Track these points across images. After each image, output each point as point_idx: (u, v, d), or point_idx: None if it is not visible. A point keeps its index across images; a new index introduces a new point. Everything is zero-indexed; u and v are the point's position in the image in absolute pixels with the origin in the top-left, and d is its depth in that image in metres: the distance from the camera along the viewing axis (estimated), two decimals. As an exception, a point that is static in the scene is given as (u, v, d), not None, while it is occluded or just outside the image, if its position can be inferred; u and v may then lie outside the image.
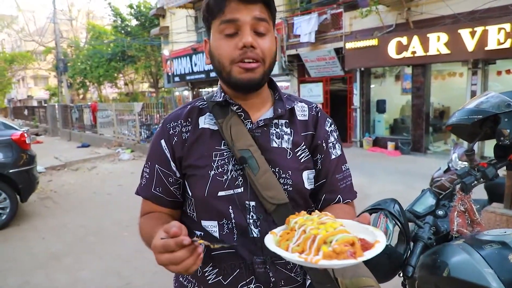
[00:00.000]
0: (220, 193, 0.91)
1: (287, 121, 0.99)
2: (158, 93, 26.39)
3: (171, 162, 0.96)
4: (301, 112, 1.03)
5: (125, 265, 3.62)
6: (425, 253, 1.52)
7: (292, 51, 11.65)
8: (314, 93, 11.94)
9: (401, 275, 1.45)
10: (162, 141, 0.97)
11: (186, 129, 0.97)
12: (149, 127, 10.79)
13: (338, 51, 10.72)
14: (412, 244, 1.49)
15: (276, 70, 11.82)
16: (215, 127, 0.95)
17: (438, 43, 8.57)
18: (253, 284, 0.91)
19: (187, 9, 16.33)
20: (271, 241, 0.72)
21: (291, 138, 0.97)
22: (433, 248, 1.50)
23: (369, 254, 0.66)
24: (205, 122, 0.97)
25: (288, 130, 0.98)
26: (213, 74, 14.50)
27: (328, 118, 1.06)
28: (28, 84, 44.04)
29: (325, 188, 1.00)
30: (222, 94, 0.97)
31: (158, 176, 0.97)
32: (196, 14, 16.57)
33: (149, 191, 0.99)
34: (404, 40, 9.14)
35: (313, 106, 1.06)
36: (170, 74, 17.12)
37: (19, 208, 5.21)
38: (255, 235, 0.90)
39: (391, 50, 9.40)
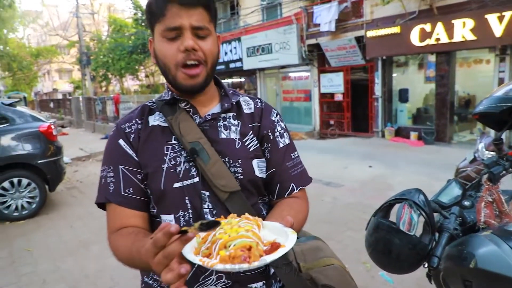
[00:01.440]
0: (176, 185, 0.93)
1: (235, 114, 1.03)
2: (179, 85, 26.65)
3: (135, 158, 0.97)
4: (247, 106, 1.06)
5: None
6: (450, 244, 1.50)
7: (312, 41, 11.52)
8: (335, 82, 11.79)
9: (426, 266, 1.43)
10: (121, 141, 0.98)
11: (139, 127, 1.00)
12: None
13: (359, 39, 10.54)
14: (437, 234, 1.47)
15: (296, 59, 11.73)
16: (165, 124, 0.99)
17: (463, 29, 8.29)
18: (214, 275, 0.92)
19: (206, 0, 16.35)
20: (190, 244, 0.71)
21: (239, 129, 1.01)
22: (460, 239, 1.48)
23: (268, 258, 0.68)
24: (155, 120, 1.00)
25: (235, 122, 1.02)
26: (232, 65, 14.51)
27: (273, 110, 1.09)
28: (53, 78, 45.21)
29: (277, 177, 1.03)
30: (170, 93, 1.01)
31: (126, 176, 0.96)
32: (216, 5, 16.57)
33: (119, 195, 0.95)
34: (427, 27, 8.88)
35: (257, 101, 1.09)
36: (190, 65, 17.25)
37: (47, 198, 5.40)
38: None
39: (414, 37, 9.16)
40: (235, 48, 14.23)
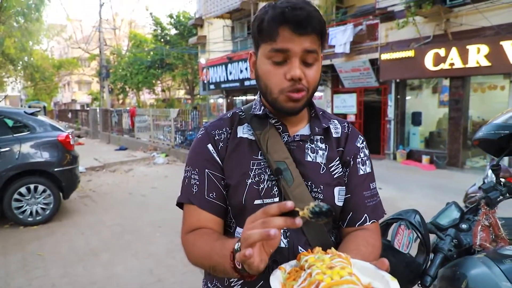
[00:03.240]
0: (256, 201, 0.93)
1: (322, 137, 1.02)
2: (194, 100, 27.06)
3: (221, 165, 0.98)
4: (335, 130, 1.05)
5: (157, 263, 3.79)
6: (446, 265, 1.55)
7: (327, 62, 11.65)
8: (348, 103, 11.86)
9: (420, 285, 1.48)
10: (210, 146, 0.99)
11: (228, 136, 1.00)
12: (183, 133, 11.11)
13: (373, 62, 10.66)
14: (432, 255, 1.52)
15: (309, 80, 11.87)
16: (253, 138, 0.99)
17: (478, 55, 8.33)
18: None
19: (224, 19, 16.73)
20: (277, 278, 0.72)
21: (326, 153, 1.00)
22: (454, 261, 1.52)
23: None
24: (244, 132, 1.00)
25: (323, 146, 1.01)
26: (247, 83, 14.74)
27: (359, 136, 1.08)
28: (72, 89, 46.39)
29: (351, 205, 1.00)
30: (262, 107, 1.01)
31: (211, 180, 0.97)
32: (233, 24, 16.94)
33: (202, 198, 0.96)
34: (442, 51, 8.95)
35: (345, 124, 1.08)
36: (205, 82, 17.55)
37: (61, 205, 5.55)
38: (283, 245, 0.93)
39: (428, 61, 9.22)
40: (250, 66, 14.51)
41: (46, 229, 4.94)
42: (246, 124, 1.02)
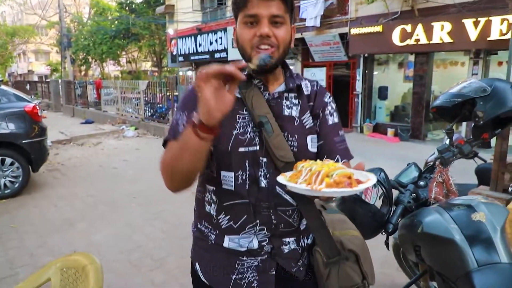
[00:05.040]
0: (241, 149, 1.10)
1: (295, 94, 1.20)
2: (161, 73, 26.47)
3: None
4: (305, 88, 1.23)
5: (135, 231, 3.92)
6: (406, 216, 1.79)
7: (298, 35, 11.73)
8: (318, 77, 12.10)
9: (383, 232, 1.72)
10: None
11: None
12: (153, 106, 11.00)
13: (342, 36, 10.86)
14: (394, 207, 1.76)
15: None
16: (239, 95, 1.15)
17: (441, 32, 8.71)
18: (258, 226, 1.14)
19: (193, -12, 16.32)
20: (282, 178, 0.91)
21: (299, 108, 1.18)
22: (413, 212, 1.77)
23: (362, 186, 0.83)
24: None
25: (296, 102, 1.19)
26: (217, 55, 14.60)
27: (327, 92, 1.27)
28: (29, 59, 43.95)
29: (325, 149, 1.19)
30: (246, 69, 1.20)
31: None
32: (203, -6, 16.54)
33: None
34: (408, 27, 9.27)
35: (314, 83, 1.27)
36: (174, 53, 17.21)
37: (30, 178, 5.49)
38: (263, 185, 1.12)
39: (395, 37, 9.53)
40: (220, 38, 14.31)
41: (15, 202, 4.91)
42: None
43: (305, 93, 1.23)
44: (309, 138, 1.18)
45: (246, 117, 1.14)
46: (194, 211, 1.30)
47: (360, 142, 9.68)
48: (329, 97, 1.26)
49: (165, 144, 1.15)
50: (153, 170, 6.64)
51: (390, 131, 10.29)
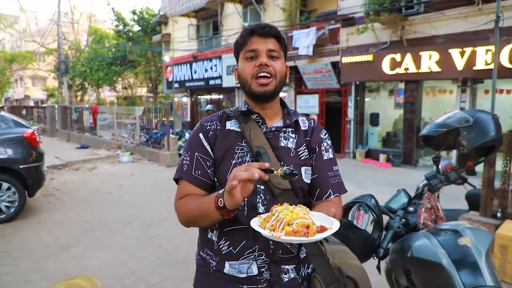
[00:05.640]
0: None
1: (293, 129, 1.31)
2: (156, 98, 26.70)
3: (209, 150, 1.26)
4: (303, 124, 1.35)
5: (130, 256, 3.91)
6: (396, 241, 1.85)
7: (290, 63, 12.00)
8: (310, 104, 12.32)
9: (375, 256, 1.77)
10: (200, 134, 1.28)
11: (218, 127, 1.30)
12: (148, 131, 11.06)
13: (334, 64, 11.16)
14: (385, 232, 1.82)
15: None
16: (239, 130, 1.28)
17: (429, 61, 8.99)
18: (256, 252, 1.19)
19: (189, 18, 16.73)
20: (255, 222, 1.02)
21: (295, 141, 1.29)
22: (403, 237, 1.83)
23: (319, 236, 0.92)
24: (231, 125, 1.30)
25: (293, 135, 1.30)
26: (212, 82, 14.86)
27: (323, 129, 1.38)
28: (25, 84, 44.12)
29: (318, 182, 1.27)
30: (246, 105, 1.32)
31: (198, 161, 1.25)
32: (198, 23, 16.96)
33: (190, 174, 1.24)
34: (397, 57, 9.57)
35: (311, 120, 1.39)
36: (169, 80, 17.45)
37: (25, 203, 5.46)
38: (261, 211, 1.17)
39: (385, 66, 9.81)
40: (215, 65, 14.61)
41: (11, 227, 4.87)
42: (234, 120, 1.31)
43: (302, 128, 1.34)
44: (303, 169, 1.27)
45: (245, 148, 1.24)
46: (198, 239, 1.36)
47: (353, 167, 9.78)
48: (325, 134, 1.37)
49: (176, 181, 1.30)
50: (148, 195, 6.70)
51: (382, 157, 10.42)
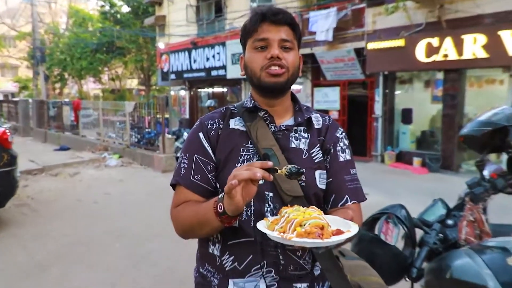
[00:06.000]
0: None
1: (305, 128, 1.34)
2: (149, 92, 26.89)
3: (210, 151, 1.30)
4: (317, 122, 1.38)
5: (120, 277, 3.95)
6: (432, 260, 1.86)
7: (306, 50, 12.03)
8: (330, 98, 12.30)
9: (407, 277, 1.78)
10: (200, 134, 1.32)
11: (220, 126, 1.33)
12: (140, 130, 11.15)
13: (358, 51, 11.14)
14: (418, 249, 1.83)
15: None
16: (244, 129, 1.31)
17: (474, 45, 8.91)
18: (265, 268, 1.22)
19: (188, -3, 16.82)
20: (262, 224, 1.05)
21: (308, 141, 1.32)
22: (440, 255, 1.84)
23: (335, 238, 0.93)
24: (235, 123, 1.34)
25: (305, 135, 1.33)
26: (214, 73, 14.90)
27: (339, 127, 1.41)
28: (-8, 74, 44.53)
29: (333, 187, 1.29)
30: (252, 101, 1.34)
31: (197, 164, 1.28)
32: (198, 3, 17.04)
33: (188, 179, 1.27)
34: (435, 41, 9.51)
35: (326, 117, 1.42)
36: (165, 70, 17.56)
37: (-5, 214, 5.55)
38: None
39: (420, 52, 9.77)
40: (218, 53, 14.68)
41: (-21, 242, 4.95)
42: (238, 117, 1.35)
43: (316, 126, 1.37)
44: (317, 173, 1.29)
45: (251, 150, 1.28)
46: (197, 254, 1.39)
47: (381, 173, 9.75)
48: (342, 133, 1.39)
49: (172, 186, 1.34)
50: (140, 205, 6.75)
51: (417, 161, 10.37)
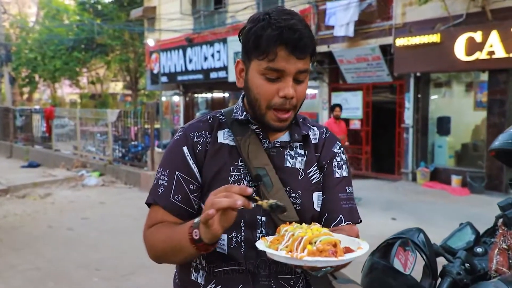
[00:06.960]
0: None
1: (302, 143, 1.41)
2: (137, 97, 26.98)
3: (195, 169, 1.33)
4: (313, 136, 1.45)
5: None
6: (457, 293, 1.91)
7: (323, 48, 12.05)
8: (351, 105, 12.29)
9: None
10: (185, 148, 1.35)
11: (208, 140, 1.37)
12: (125, 143, 11.23)
13: (385, 49, 11.19)
14: (440, 279, 1.89)
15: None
16: (233, 144, 1.35)
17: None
18: None
19: (181, -15, 16.99)
20: (262, 244, 1.10)
21: (304, 159, 1.38)
22: (467, 288, 1.90)
23: (349, 256, 1.00)
24: (224, 137, 1.38)
25: (302, 152, 1.39)
26: (213, 75, 14.92)
27: (337, 142, 1.49)
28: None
29: (327, 206, 1.37)
30: (244, 112, 1.39)
31: (179, 183, 1.32)
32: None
33: (167, 199, 1.31)
34: (478, 35, 9.51)
35: (323, 130, 1.49)
36: (155, 72, 17.62)
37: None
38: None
39: (460, 49, 9.78)
40: (218, 52, 14.77)
41: None
42: (227, 129, 1.39)
43: (313, 141, 1.44)
44: (315, 195, 1.38)
45: (242, 169, 1.34)
46: (174, 280, 1.46)
47: (412, 194, 9.73)
48: (339, 148, 1.48)
49: (148, 205, 1.39)
50: (124, 232, 6.77)
51: (456, 180, 10.35)
